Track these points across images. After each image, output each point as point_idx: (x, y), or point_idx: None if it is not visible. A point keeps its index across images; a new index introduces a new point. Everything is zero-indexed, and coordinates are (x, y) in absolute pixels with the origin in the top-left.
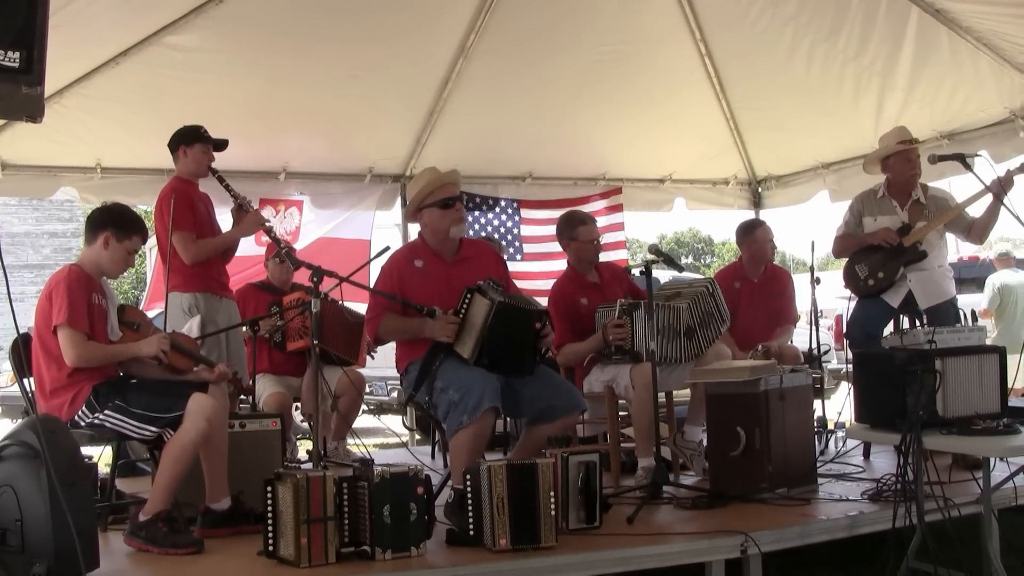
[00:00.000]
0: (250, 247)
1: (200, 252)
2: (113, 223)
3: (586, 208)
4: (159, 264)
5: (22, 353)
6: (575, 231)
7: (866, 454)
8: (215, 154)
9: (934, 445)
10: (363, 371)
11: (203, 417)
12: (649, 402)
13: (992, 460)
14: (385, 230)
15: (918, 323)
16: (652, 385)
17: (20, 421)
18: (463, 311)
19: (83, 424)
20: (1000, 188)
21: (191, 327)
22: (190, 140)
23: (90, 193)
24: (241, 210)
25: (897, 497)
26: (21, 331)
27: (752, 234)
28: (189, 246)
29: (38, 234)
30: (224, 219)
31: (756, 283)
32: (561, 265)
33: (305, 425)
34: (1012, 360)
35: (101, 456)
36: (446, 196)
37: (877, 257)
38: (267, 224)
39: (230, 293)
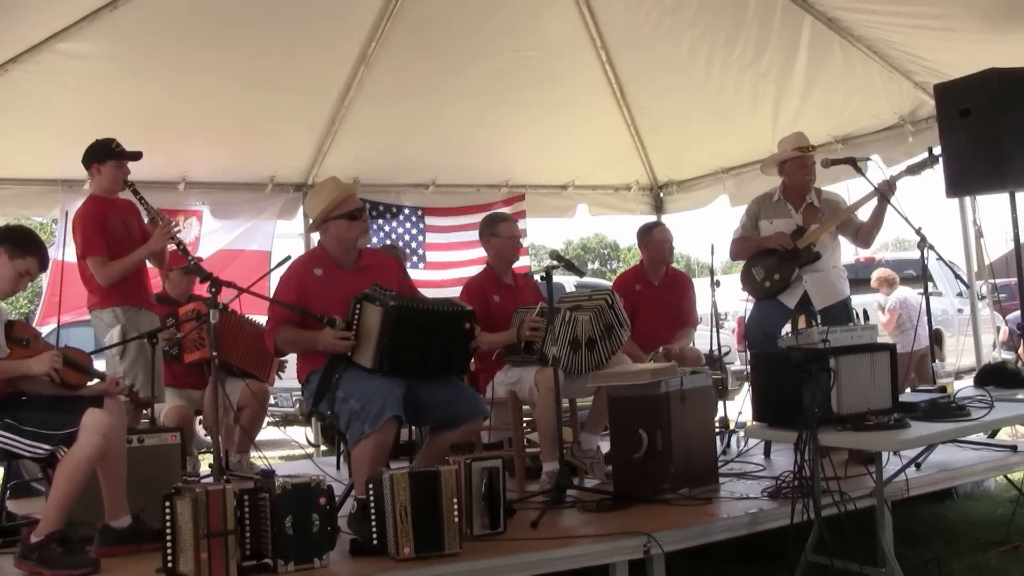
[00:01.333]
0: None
1: (112, 273)
2: (8, 240)
3: None
4: (53, 280)
5: None
6: (496, 228)
7: (766, 452)
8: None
9: (829, 441)
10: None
11: (99, 432)
12: (553, 405)
13: (885, 454)
14: (287, 239)
15: (813, 323)
16: (556, 388)
17: None
18: (355, 322)
19: None
20: (885, 191)
21: (112, 336)
22: (102, 157)
23: None
24: (154, 223)
25: (795, 493)
26: None
27: (650, 234)
28: (100, 270)
29: None
30: None
31: (656, 286)
32: (465, 273)
33: (208, 438)
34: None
35: None
36: (353, 208)
37: (773, 260)
38: (177, 235)
39: (150, 304)
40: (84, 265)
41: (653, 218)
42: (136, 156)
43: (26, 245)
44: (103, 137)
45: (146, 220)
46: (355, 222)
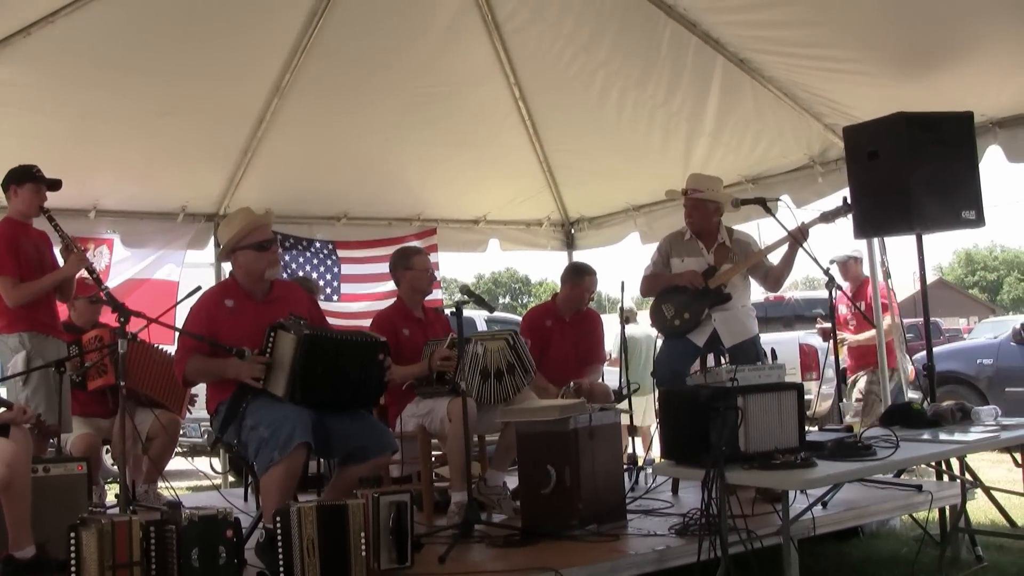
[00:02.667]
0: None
1: (22, 295)
2: None
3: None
4: None
5: None
6: (410, 261)
7: (674, 490)
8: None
9: (737, 480)
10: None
11: (2, 462)
12: (463, 436)
13: (792, 493)
14: (198, 268)
15: (722, 361)
16: (466, 418)
17: None
18: (269, 350)
19: None
20: (798, 236)
21: (16, 363)
22: (21, 180)
23: None
24: (68, 250)
25: (702, 531)
26: None
27: (581, 279)
28: (10, 290)
29: None
30: None
31: (567, 322)
32: (377, 305)
33: (115, 468)
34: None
35: None
36: (262, 239)
37: (683, 298)
38: (91, 264)
39: (58, 332)
40: None
41: (564, 254)
42: (56, 184)
43: None
44: (19, 164)
45: (58, 249)
46: (263, 253)
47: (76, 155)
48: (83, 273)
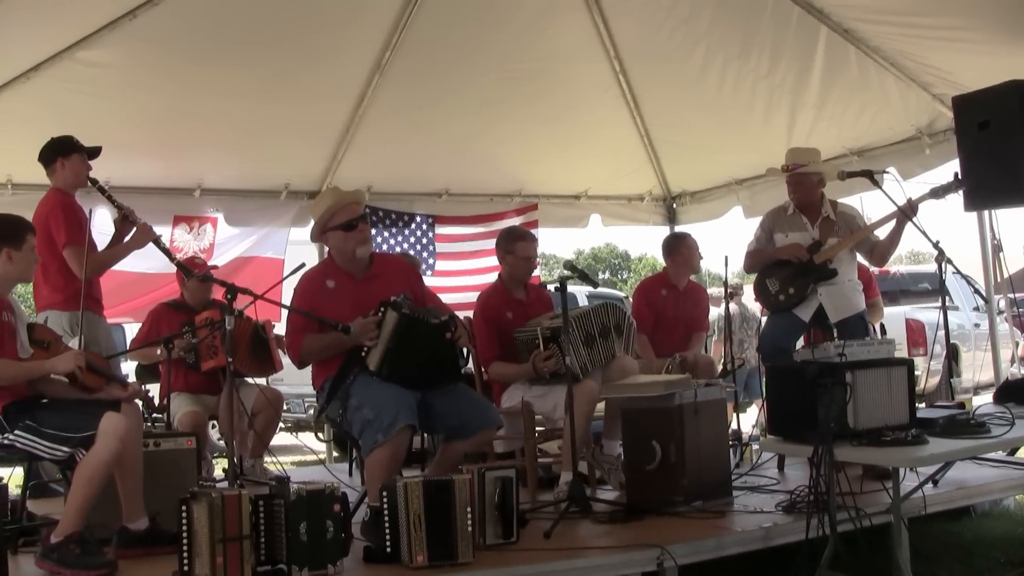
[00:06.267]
0: (159, 265)
1: (96, 267)
2: (4, 239)
3: (501, 225)
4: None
5: None
6: (513, 246)
7: (780, 466)
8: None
9: (845, 456)
10: (280, 388)
11: (115, 437)
12: (578, 421)
13: (902, 470)
14: (302, 246)
15: (829, 336)
16: (593, 399)
17: None
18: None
19: None
20: (907, 211)
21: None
22: (67, 151)
23: (1, 210)
24: (126, 221)
25: (810, 508)
26: None
27: (683, 243)
28: (84, 261)
29: None
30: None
31: (681, 292)
32: (473, 281)
33: (222, 443)
34: None
35: (12, 477)
36: (348, 218)
37: (788, 272)
38: (157, 237)
39: (103, 310)
40: (52, 259)
41: (666, 229)
42: (96, 152)
43: (19, 233)
44: (61, 135)
45: (115, 218)
46: (351, 232)
47: (180, 135)
48: (192, 252)
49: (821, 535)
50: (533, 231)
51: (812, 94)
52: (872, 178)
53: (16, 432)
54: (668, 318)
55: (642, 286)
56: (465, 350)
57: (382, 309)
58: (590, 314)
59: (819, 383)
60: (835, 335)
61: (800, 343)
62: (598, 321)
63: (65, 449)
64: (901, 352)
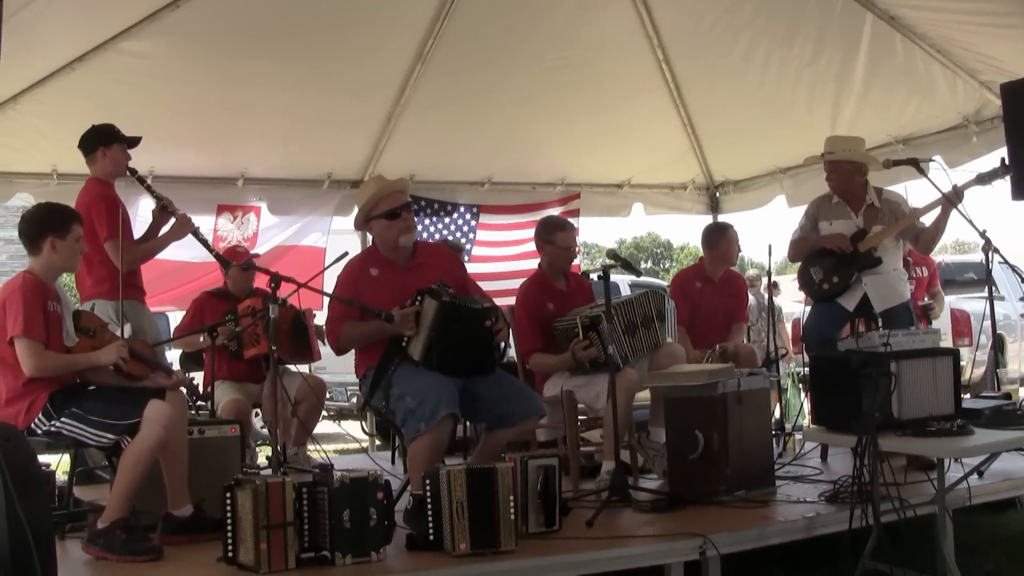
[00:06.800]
0: (202, 254)
1: (134, 260)
2: (50, 228)
3: (544, 213)
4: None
5: None
6: (553, 235)
7: (823, 456)
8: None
9: (890, 447)
10: (323, 377)
11: (160, 424)
12: (619, 410)
13: (947, 461)
14: (344, 235)
15: (873, 326)
16: (632, 388)
17: None
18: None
19: (40, 432)
20: (952, 198)
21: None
22: (109, 140)
23: (46, 199)
24: (164, 211)
25: (853, 498)
26: None
27: (722, 234)
28: (126, 254)
29: None
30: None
31: (716, 283)
32: (510, 267)
33: (265, 431)
34: None
35: (59, 464)
36: (392, 207)
37: (831, 261)
38: (196, 228)
39: (145, 297)
40: (96, 250)
41: (709, 218)
42: (136, 141)
43: (65, 222)
44: (101, 123)
45: (154, 208)
46: (394, 221)
47: (223, 124)
48: (236, 241)
49: (864, 525)
50: (575, 220)
51: (857, 82)
52: (918, 166)
53: (62, 419)
54: (704, 309)
55: (677, 278)
56: (502, 344)
57: (419, 298)
58: (632, 303)
59: (863, 373)
60: (880, 324)
61: (845, 332)
62: (640, 310)
63: (110, 436)
64: (946, 342)
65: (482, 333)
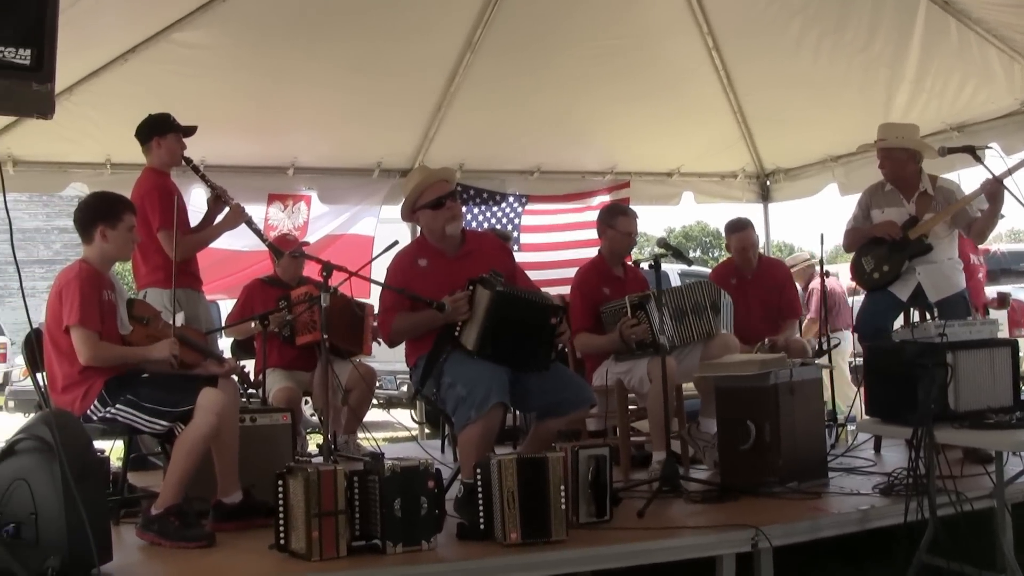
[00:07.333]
0: (252, 243)
1: (189, 249)
2: (100, 216)
3: (592, 202)
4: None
5: (35, 348)
6: (615, 220)
7: (877, 448)
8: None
9: (946, 439)
10: (372, 365)
11: (213, 412)
12: (663, 395)
13: (1005, 454)
14: (393, 224)
15: (928, 316)
16: (669, 378)
17: (34, 415)
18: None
19: (95, 418)
20: (1000, 181)
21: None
22: (164, 130)
23: (100, 189)
24: (219, 201)
25: (909, 491)
26: (33, 326)
27: (731, 234)
28: (179, 244)
29: (48, 230)
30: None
31: (750, 279)
32: (560, 256)
33: (315, 419)
34: None
35: (113, 450)
36: (437, 195)
37: (882, 250)
38: (250, 218)
39: (201, 286)
40: (150, 239)
41: (760, 206)
42: (192, 131)
43: (116, 211)
44: (157, 112)
45: (208, 197)
46: (439, 210)
47: (273, 114)
48: (286, 229)
49: (920, 519)
50: None
51: (910, 68)
52: (974, 154)
53: (117, 406)
54: (743, 308)
55: (712, 276)
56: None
57: (471, 287)
58: (682, 290)
59: (919, 364)
60: (935, 314)
61: (899, 323)
62: (691, 298)
63: (164, 423)
64: (1001, 333)
65: (544, 328)
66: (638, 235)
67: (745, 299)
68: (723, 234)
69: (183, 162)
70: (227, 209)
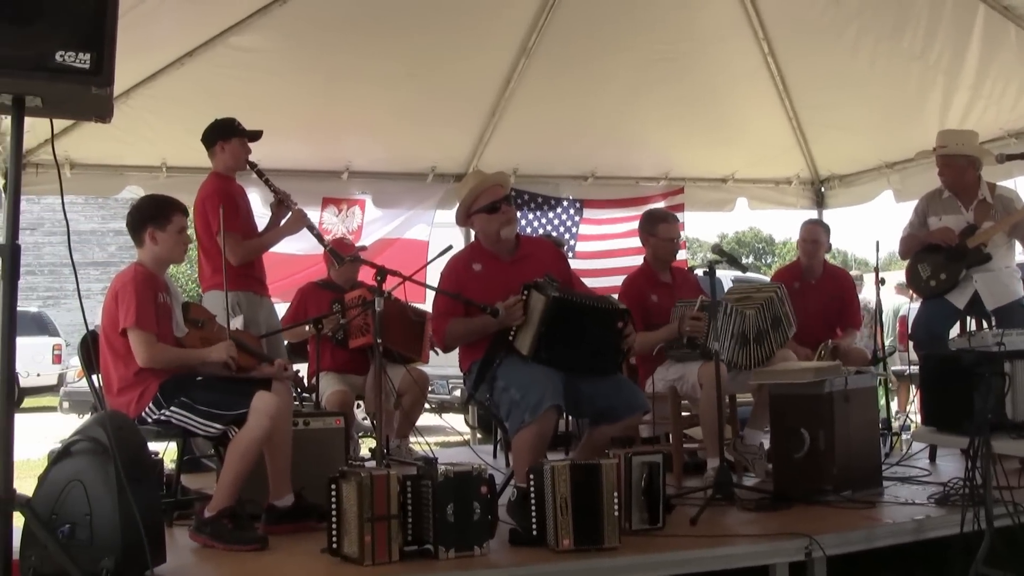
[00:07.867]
0: (307, 247)
1: (248, 253)
2: (149, 218)
3: (647, 208)
4: (200, 258)
5: (91, 350)
6: (655, 227)
7: (932, 457)
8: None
9: (1004, 449)
10: (424, 369)
11: (267, 415)
12: (715, 401)
13: None
14: (448, 228)
15: (986, 324)
16: (719, 384)
17: (89, 417)
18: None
19: (150, 420)
20: None
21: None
22: (228, 134)
23: (155, 192)
24: (281, 205)
25: (965, 501)
26: (89, 328)
27: (805, 225)
28: (236, 248)
29: (104, 232)
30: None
31: (813, 284)
32: (616, 263)
33: (367, 423)
34: None
35: (167, 452)
36: (492, 200)
37: (939, 257)
38: (311, 222)
39: (267, 291)
40: (213, 243)
41: (814, 213)
42: (257, 136)
43: (164, 213)
44: (223, 117)
45: (271, 202)
46: (494, 215)
47: (328, 117)
48: (341, 233)
49: (976, 530)
50: (679, 214)
51: (968, 74)
52: None
53: (172, 408)
54: (804, 311)
55: (775, 278)
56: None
57: (525, 292)
58: (748, 316)
59: (976, 372)
60: (993, 323)
61: (955, 331)
62: (755, 325)
63: (218, 426)
64: None
65: (611, 332)
66: (692, 240)
67: (806, 304)
68: (775, 240)
69: (247, 166)
70: (289, 214)
